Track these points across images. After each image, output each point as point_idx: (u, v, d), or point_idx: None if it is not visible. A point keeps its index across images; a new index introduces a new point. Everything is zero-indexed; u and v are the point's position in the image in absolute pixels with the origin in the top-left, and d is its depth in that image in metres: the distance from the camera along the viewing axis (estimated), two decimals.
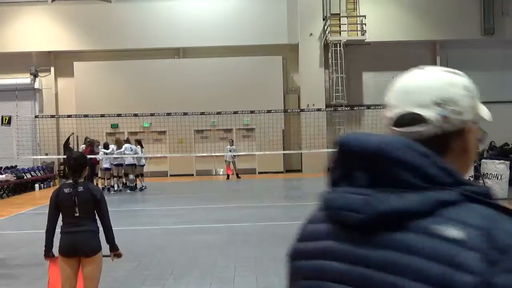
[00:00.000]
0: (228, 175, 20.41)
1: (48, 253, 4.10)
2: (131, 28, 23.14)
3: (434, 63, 24.09)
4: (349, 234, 0.89)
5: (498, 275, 0.78)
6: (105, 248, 4.13)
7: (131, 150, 16.23)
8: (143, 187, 16.41)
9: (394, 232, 0.85)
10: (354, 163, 0.94)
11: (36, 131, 21.94)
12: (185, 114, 16.64)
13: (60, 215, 4.01)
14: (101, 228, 4.10)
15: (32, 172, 18.80)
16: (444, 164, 0.88)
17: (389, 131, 1.04)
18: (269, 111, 17.31)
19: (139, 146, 16.90)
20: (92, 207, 4.01)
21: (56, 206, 3.98)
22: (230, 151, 19.55)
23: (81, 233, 3.94)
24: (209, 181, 20.71)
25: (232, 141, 20.45)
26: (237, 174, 20.40)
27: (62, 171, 23.28)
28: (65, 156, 21.01)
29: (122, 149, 15.95)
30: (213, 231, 8.69)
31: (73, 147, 21.60)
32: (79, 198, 3.94)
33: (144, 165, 17.24)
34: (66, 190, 3.96)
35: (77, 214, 3.93)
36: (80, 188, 3.97)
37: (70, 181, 4.04)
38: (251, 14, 23.32)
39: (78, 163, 4.06)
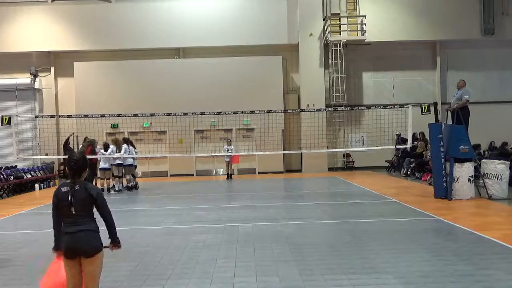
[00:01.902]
0: (229, 175, 20.38)
1: (57, 247, 4.13)
2: (131, 28, 23.15)
3: (434, 63, 24.13)
4: None
5: None
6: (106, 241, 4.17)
7: (130, 151, 16.24)
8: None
9: None
10: None
11: (36, 131, 21.96)
12: (185, 114, 16.62)
13: None
14: (103, 228, 4.10)
15: (32, 172, 18.79)
16: None
17: None
18: (269, 111, 17.29)
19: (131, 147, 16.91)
20: (89, 205, 4.01)
21: (56, 206, 4.00)
22: (228, 151, 19.53)
23: (80, 232, 3.94)
24: (209, 181, 20.71)
25: (230, 141, 20.42)
26: (229, 175, 20.34)
27: (62, 171, 23.31)
28: (65, 156, 21.04)
29: (122, 151, 15.94)
30: (213, 231, 8.68)
31: (73, 147, 21.61)
32: (75, 196, 3.95)
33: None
34: (63, 189, 3.99)
35: (74, 213, 3.94)
36: (77, 187, 3.99)
37: (69, 180, 4.06)
38: (251, 14, 23.33)
39: (78, 165, 4.07)
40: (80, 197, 3.96)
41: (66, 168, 4.18)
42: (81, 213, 3.97)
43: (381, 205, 11.65)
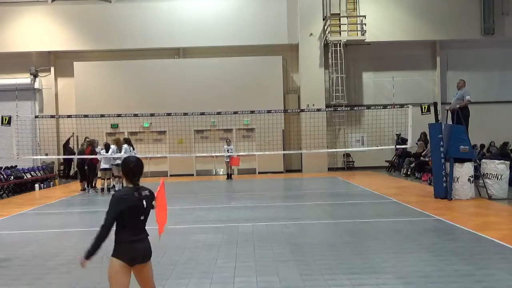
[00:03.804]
0: (229, 175, 20.37)
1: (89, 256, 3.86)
2: (131, 28, 23.15)
3: (434, 63, 24.13)
4: None
5: None
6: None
7: (130, 151, 16.21)
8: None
9: None
10: None
11: (36, 131, 21.94)
12: (185, 114, 16.63)
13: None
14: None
15: (32, 172, 18.78)
16: None
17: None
18: (269, 111, 17.31)
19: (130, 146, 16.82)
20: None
21: (122, 213, 3.83)
22: (228, 151, 19.53)
23: (147, 239, 3.99)
24: (209, 181, 20.70)
25: (230, 141, 20.41)
26: (229, 175, 20.35)
27: (62, 171, 23.30)
28: (65, 157, 21.06)
29: (123, 152, 15.91)
30: (213, 231, 8.68)
31: (73, 147, 21.63)
32: (147, 202, 3.98)
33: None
34: (136, 195, 3.89)
35: (142, 219, 3.97)
36: (147, 192, 3.99)
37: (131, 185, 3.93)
38: (251, 14, 23.32)
39: (140, 167, 3.99)
40: (150, 203, 3.94)
41: (123, 171, 3.92)
42: (146, 219, 3.93)
43: (381, 205, 11.65)
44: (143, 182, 3.98)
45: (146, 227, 3.93)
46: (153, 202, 4.05)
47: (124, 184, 3.96)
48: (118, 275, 3.75)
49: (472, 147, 13.14)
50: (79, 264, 3.75)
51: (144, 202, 3.87)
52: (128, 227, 3.78)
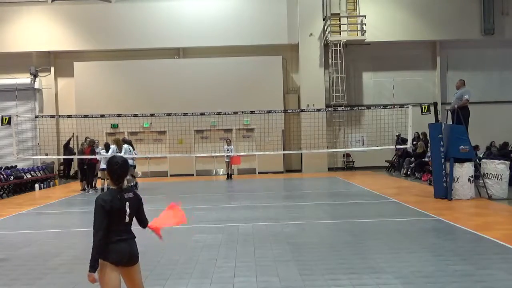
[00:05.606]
0: (229, 175, 20.37)
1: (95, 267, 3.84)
2: (131, 28, 23.14)
3: (434, 63, 24.12)
4: None
5: None
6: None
7: (130, 151, 16.20)
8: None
9: None
10: None
11: (36, 131, 21.93)
12: (185, 114, 16.62)
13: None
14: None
15: (32, 172, 18.77)
16: None
17: None
18: (269, 111, 17.29)
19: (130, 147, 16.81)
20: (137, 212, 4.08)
21: (109, 215, 3.81)
22: (227, 150, 19.53)
23: (133, 240, 4.06)
24: (209, 181, 20.70)
25: (230, 141, 20.41)
26: (229, 175, 20.36)
27: (62, 171, 23.29)
28: (65, 157, 21.06)
29: (123, 152, 15.89)
30: (213, 231, 8.69)
31: (73, 147, 21.63)
32: (130, 204, 4.00)
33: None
34: (119, 197, 3.86)
35: (127, 221, 4.00)
36: (130, 194, 3.99)
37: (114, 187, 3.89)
38: (251, 14, 23.32)
39: (123, 169, 3.92)
40: (134, 205, 3.93)
41: (108, 171, 3.90)
42: (131, 221, 3.93)
43: (381, 205, 11.65)
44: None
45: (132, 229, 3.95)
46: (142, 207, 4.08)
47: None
48: (106, 276, 3.76)
49: (474, 148, 13.13)
50: (89, 280, 3.75)
51: (127, 204, 3.84)
52: (112, 229, 3.76)
